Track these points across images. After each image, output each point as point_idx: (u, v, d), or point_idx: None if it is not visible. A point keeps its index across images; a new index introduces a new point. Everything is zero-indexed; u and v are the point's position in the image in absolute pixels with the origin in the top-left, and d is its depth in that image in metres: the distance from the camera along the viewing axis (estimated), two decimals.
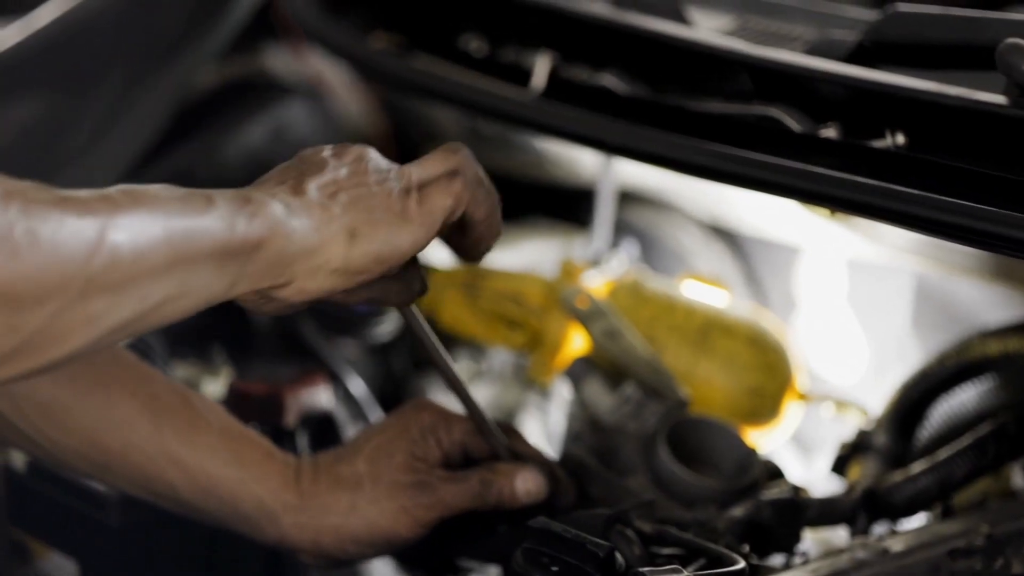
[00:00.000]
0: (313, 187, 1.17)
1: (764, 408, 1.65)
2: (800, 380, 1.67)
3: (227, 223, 1.09)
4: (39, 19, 2.04)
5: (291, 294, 1.16)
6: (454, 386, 1.38)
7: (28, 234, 1.00)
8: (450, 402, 1.43)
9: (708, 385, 1.64)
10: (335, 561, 1.41)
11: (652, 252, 2.01)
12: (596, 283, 1.73)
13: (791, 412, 1.66)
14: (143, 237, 1.05)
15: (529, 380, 1.90)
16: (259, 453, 1.40)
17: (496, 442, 1.41)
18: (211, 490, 1.38)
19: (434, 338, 1.36)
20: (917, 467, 1.44)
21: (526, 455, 1.42)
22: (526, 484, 1.39)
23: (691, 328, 1.66)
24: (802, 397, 1.67)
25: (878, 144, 1.38)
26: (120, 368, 1.34)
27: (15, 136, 1.95)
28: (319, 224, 1.15)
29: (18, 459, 1.52)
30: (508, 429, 1.44)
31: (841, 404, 1.67)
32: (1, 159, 1.93)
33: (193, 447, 1.38)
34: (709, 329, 1.66)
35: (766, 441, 1.66)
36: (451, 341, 1.91)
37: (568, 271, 1.76)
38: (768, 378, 1.64)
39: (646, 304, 1.69)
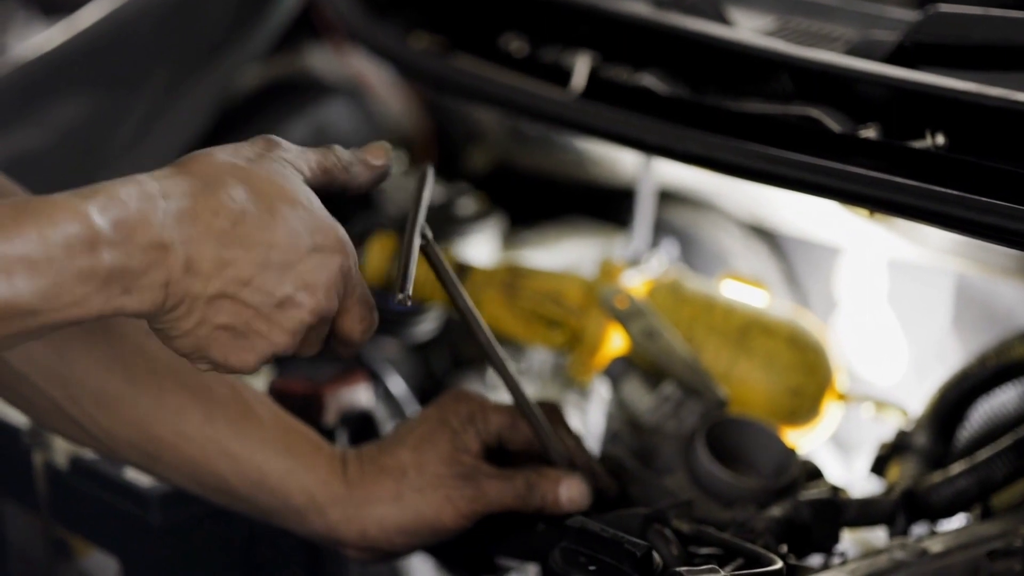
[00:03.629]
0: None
1: (803, 408, 1.64)
2: (840, 380, 1.67)
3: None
4: (84, 19, 2.05)
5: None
6: (504, 377, 1.39)
7: None
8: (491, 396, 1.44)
9: (747, 385, 1.64)
10: (381, 555, 1.42)
11: (692, 252, 2.01)
12: (635, 283, 1.73)
13: (830, 412, 1.66)
14: None
15: (568, 379, 1.90)
16: (308, 445, 1.41)
17: (544, 436, 1.40)
18: (261, 482, 1.38)
19: (486, 329, 1.37)
20: (956, 468, 1.44)
21: (570, 452, 1.42)
22: (570, 492, 1.39)
23: (730, 328, 1.66)
24: (842, 397, 1.67)
25: (918, 145, 1.38)
26: (172, 358, 1.31)
27: (60, 134, 1.97)
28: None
29: (60, 456, 1.53)
30: (551, 410, 1.44)
31: (881, 404, 1.67)
32: (46, 157, 1.95)
33: (245, 438, 1.38)
34: (748, 329, 1.66)
35: (805, 441, 1.66)
36: None
37: (607, 271, 1.76)
38: (808, 378, 1.64)
39: (685, 304, 1.69)
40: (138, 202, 1.10)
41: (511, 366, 1.40)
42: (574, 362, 1.74)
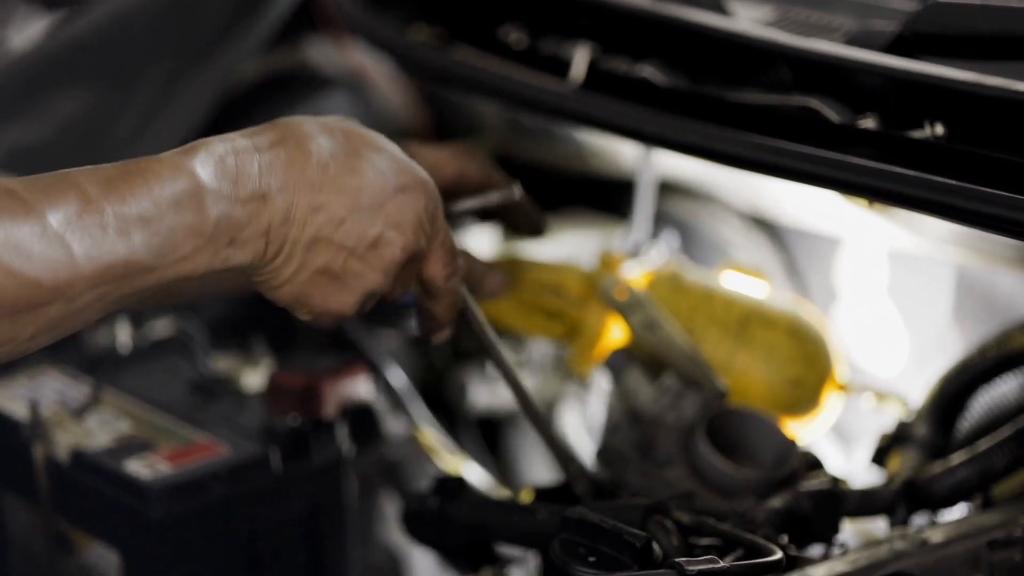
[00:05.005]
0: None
1: (804, 399, 1.64)
2: (840, 371, 1.67)
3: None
4: (84, 12, 2.05)
5: None
6: (506, 375, 1.39)
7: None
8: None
9: (747, 376, 1.64)
10: None
11: (692, 243, 2.01)
12: (635, 274, 1.73)
13: (831, 403, 1.66)
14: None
15: (568, 371, 1.90)
16: None
17: (548, 437, 1.41)
18: None
19: (487, 326, 1.37)
20: (957, 458, 1.44)
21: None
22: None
23: (730, 319, 1.66)
24: (842, 388, 1.66)
25: (917, 135, 1.38)
26: None
27: (60, 128, 1.97)
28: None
29: (61, 450, 1.53)
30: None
31: (881, 395, 1.67)
32: (45, 151, 1.95)
33: None
34: (748, 320, 1.65)
35: (805, 432, 1.65)
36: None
37: (607, 262, 1.76)
38: (808, 369, 1.64)
39: (685, 295, 1.69)
40: (235, 156, 1.16)
41: (510, 360, 1.40)
42: (574, 354, 1.74)
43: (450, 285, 1.32)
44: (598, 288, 1.69)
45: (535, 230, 1.58)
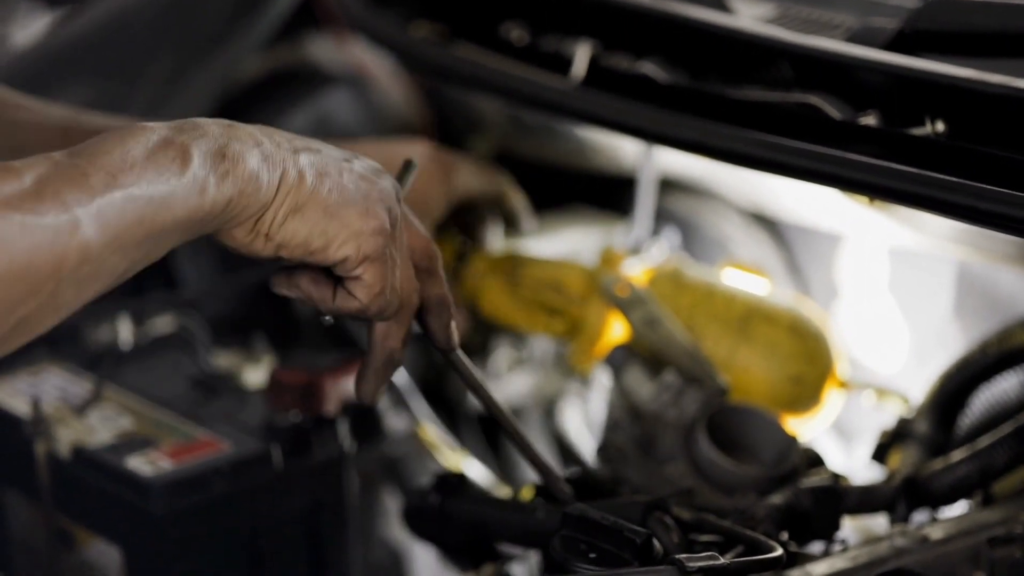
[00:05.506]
0: (306, 157, 1.17)
1: (804, 396, 1.64)
2: (841, 368, 1.67)
3: (199, 188, 1.10)
4: (86, 9, 2.05)
5: (223, 238, 1.16)
6: (499, 419, 1.39)
7: None
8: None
9: (748, 373, 1.64)
10: None
11: (693, 240, 2.01)
12: (636, 271, 1.73)
13: (831, 400, 1.66)
14: (115, 225, 1.06)
15: (569, 368, 1.90)
16: None
17: (546, 473, 1.41)
18: None
19: (476, 372, 1.37)
20: (957, 455, 1.44)
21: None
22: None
23: (731, 316, 1.66)
24: (843, 385, 1.67)
25: (918, 132, 1.38)
26: None
27: None
28: (280, 183, 1.15)
29: (62, 446, 1.53)
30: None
31: (882, 392, 1.67)
32: None
33: None
34: (749, 317, 1.65)
35: (806, 429, 1.66)
36: (491, 330, 1.92)
37: (608, 259, 1.76)
38: (809, 366, 1.64)
39: (686, 292, 1.69)
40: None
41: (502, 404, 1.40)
42: (575, 350, 1.74)
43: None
44: (599, 285, 1.69)
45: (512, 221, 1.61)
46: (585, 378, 1.87)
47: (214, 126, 1.13)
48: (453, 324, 1.33)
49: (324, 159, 1.18)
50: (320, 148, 1.19)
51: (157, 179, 1.07)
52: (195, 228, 1.11)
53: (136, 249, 1.08)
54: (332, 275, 1.22)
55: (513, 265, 1.78)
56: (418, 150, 1.70)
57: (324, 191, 1.17)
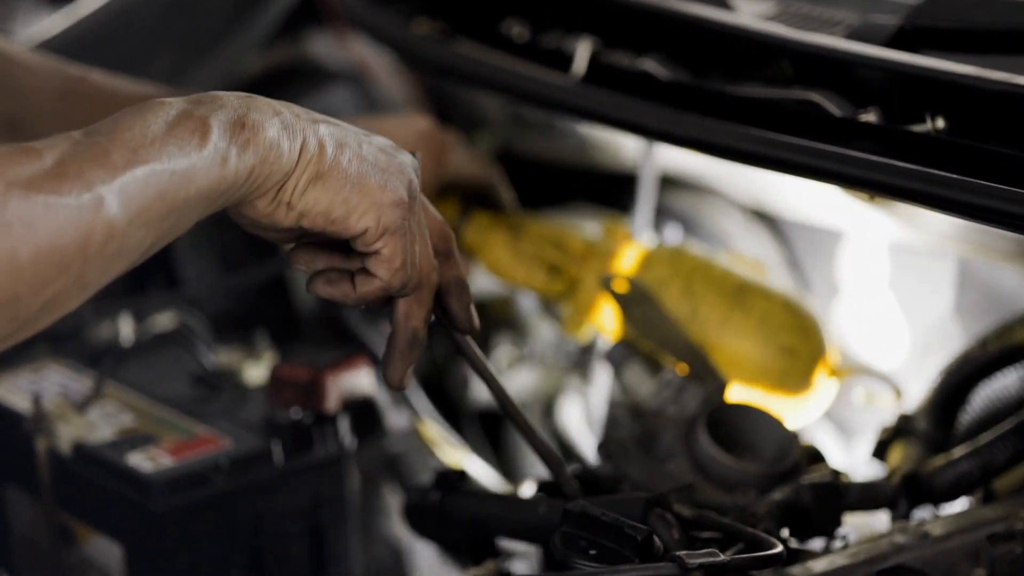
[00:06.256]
0: (325, 128, 1.18)
1: (795, 371, 1.63)
2: (833, 355, 1.66)
3: (220, 159, 1.10)
4: (86, 6, 2.05)
5: (246, 210, 1.16)
6: (507, 409, 1.39)
7: (24, 227, 1.01)
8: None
9: (740, 339, 1.63)
10: None
11: (694, 237, 2.01)
12: (636, 254, 1.72)
13: (823, 386, 1.65)
14: (138, 200, 1.06)
15: (570, 366, 1.91)
16: None
17: (551, 461, 1.41)
18: None
19: (484, 357, 1.37)
20: (958, 452, 1.44)
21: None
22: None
23: (728, 284, 1.66)
24: (835, 373, 1.66)
25: (918, 129, 1.38)
26: None
27: None
28: (301, 151, 1.15)
29: (63, 443, 1.53)
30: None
31: (882, 388, 1.66)
32: None
33: None
34: (746, 288, 1.65)
35: (798, 415, 1.65)
36: (492, 326, 1.92)
37: (611, 231, 1.76)
38: (801, 340, 1.63)
39: (686, 259, 1.68)
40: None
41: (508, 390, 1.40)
42: (569, 314, 1.74)
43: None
44: (599, 250, 1.70)
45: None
46: (577, 340, 1.86)
47: (232, 98, 1.13)
48: (472, 306, 1.33)
49: (343, 131, 1.19)
50: (338, 122, 1.20)
51: (178, 153, 1.08)
52: (219, 199, 1.12)
53: (161, 223, 1.08)
54: (349, 263, 1.22)
55: (516, 221, 1.79)
56: (416, 126, 1.70)
57: (344, 161, 1.17)
